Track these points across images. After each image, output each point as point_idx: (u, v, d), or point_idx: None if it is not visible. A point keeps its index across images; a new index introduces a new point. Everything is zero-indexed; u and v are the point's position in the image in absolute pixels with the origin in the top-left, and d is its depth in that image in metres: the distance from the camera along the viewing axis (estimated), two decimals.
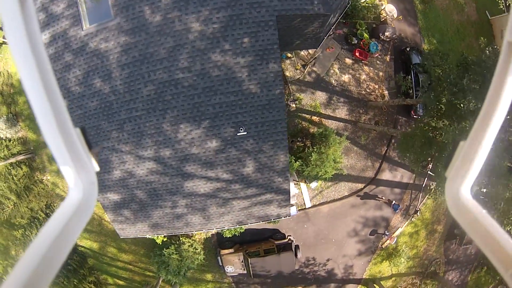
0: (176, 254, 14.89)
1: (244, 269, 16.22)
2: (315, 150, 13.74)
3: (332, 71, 16.28)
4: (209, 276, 17.85)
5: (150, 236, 15.25)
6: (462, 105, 11.53)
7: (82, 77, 12.08)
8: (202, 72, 11.20)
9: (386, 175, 17.32)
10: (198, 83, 11.33)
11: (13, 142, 19.48)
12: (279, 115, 11.69)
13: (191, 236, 16.55)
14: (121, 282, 18.17)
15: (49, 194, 18.97)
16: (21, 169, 19.45)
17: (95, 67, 11.81)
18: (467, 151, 0.80)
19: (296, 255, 16.10)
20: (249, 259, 15.58)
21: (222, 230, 15.03)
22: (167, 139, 11.95)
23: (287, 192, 12.61)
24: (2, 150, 19.34)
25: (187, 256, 14.95)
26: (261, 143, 11.82)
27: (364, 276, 18.94)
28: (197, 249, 15.52)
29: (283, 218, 13.43)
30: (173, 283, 16.99)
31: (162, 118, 11.79)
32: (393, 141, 17.17)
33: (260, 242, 16.62)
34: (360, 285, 19.15)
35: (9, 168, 19.63)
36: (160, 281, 17.08)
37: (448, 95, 11.72)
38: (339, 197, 16.81)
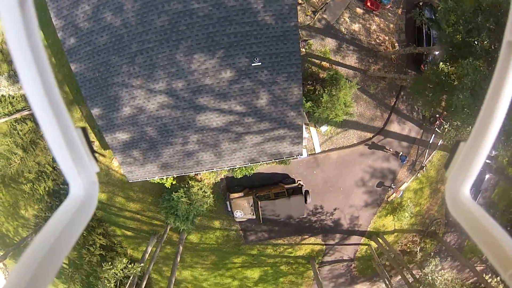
0: (185, 197, 14.88)
1: (253, 214, 16.24)
2: (326, 92, 13.74)
3: (342, 19, 16.15)
4: (217, 224, 17.98)
5: (158, 180, 15.18)
6: (476, 42, 11.52)
7: (91, 11, 11.86)
8: (218, 2, 11.07)
9: (394, 127, 17.39)
10: (214, 13, 11.20)
11: (16, 99, 19.38)
12: (293, 47, 11.62)
13: (200, 180, 16.56)
14: (129, 233, 18.29)
15: None
16: (26, 124, 19.40)
17: (105, 0, 11.62)
18: (467, 152, 0.81)
19: (306, 200, 16.18)
20: (259, 202, 15.60)
21: (233, 170, 14.95)
22: (180, 70, 11.85)
23: (300, 128, 12.62)
24: (6, 107, 19.26)
25: (196, 200, 14.95)
26: (275, 74, 11.78)
27: (368, 229, 19.22)
28: (206, 192, 15.52)
29: (295, 157, 13.47)
30: (181, 230, 17.05)
31: (175, 49, 11.67)
32: (402, 93, 17.19)
33: (270, 186, 16.63)
34: (364, 237, 19.45)
35: (14, 124, 19.60)
36: (168, 229, 17.17)
37: (463, 32, 11.68)
38: (348, 144, 16.88)
